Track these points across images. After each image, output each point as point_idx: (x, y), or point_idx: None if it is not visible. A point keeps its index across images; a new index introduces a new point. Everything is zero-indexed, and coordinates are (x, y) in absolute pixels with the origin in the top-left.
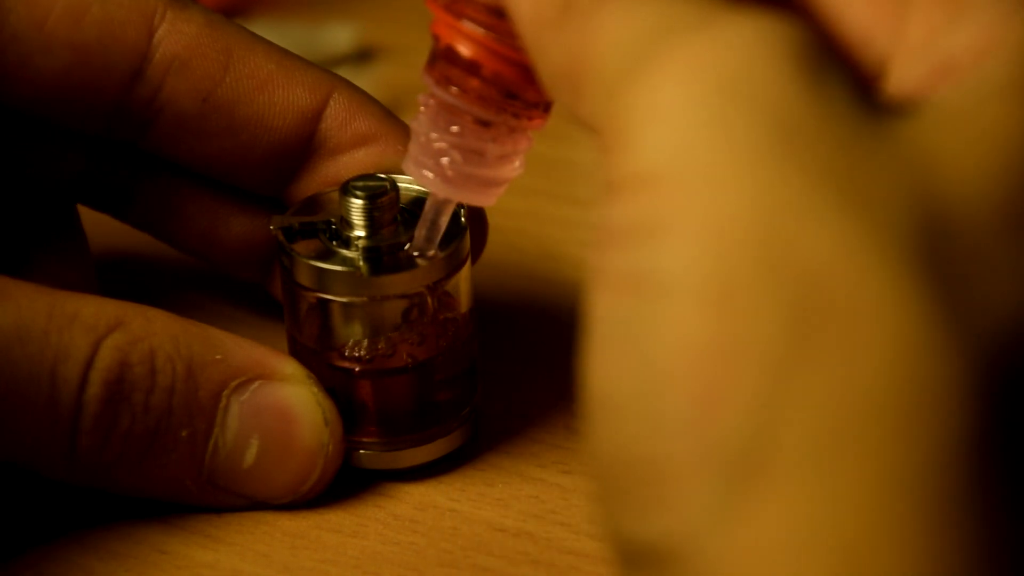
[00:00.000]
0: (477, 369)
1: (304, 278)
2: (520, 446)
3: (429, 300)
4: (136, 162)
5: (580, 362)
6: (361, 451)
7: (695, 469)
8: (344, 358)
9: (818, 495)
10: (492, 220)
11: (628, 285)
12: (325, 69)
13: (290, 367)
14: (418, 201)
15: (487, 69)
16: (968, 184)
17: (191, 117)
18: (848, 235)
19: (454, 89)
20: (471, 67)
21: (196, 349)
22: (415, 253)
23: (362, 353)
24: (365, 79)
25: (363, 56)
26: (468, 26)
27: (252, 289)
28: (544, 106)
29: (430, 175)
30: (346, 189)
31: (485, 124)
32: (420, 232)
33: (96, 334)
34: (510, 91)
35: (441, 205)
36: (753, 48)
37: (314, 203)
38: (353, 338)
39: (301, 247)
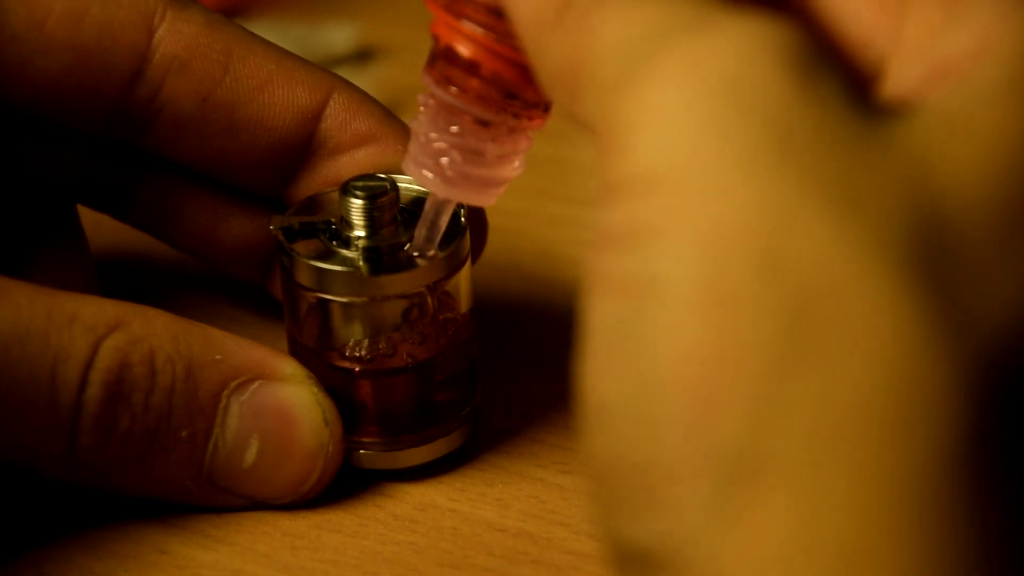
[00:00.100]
0: (477, 369)
1: (304, 278)
2: (520, 446)
3: (429, 300)
4: (136, 162)
5: (576, 366)
6: (361, 451)
7: (691, 473)
8: (344, 358)
9: (813, 499)
10: (492, 220)
11: (624, 289)
12: (325, 69)
13: (290, 367)
14: (418, 201)
15: (487, 69)
16: (964, 187)
17: (191, 117)
18: (843, 239)
19: (454, 89)
20: (471, 67)
21: (196, 349)
22: (415, 253)
23: (363, 353)
24: (365, 79)
25: (363, 56)
26: (468, 26)
27: (252, 289)
28: (544, 106)
29: (430, 175)
30: (346, 189)
31: (485, 124)
32: (420, 232)
33: (96, 334)
34: (510, 91)
35: (441, 205)
36: (749, 51)
37: (314, 203)
38: (353, 338)
39: (301, 247)
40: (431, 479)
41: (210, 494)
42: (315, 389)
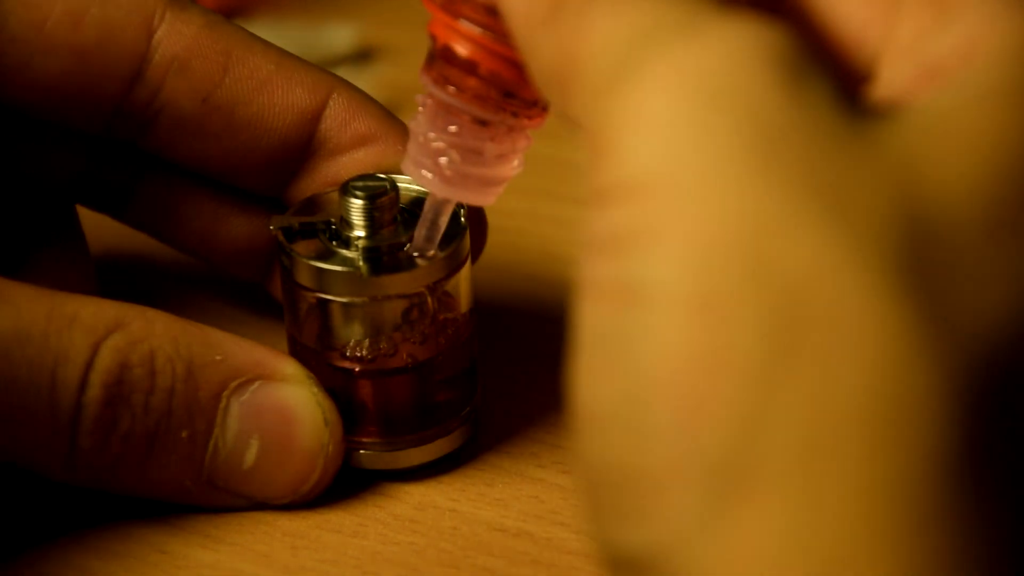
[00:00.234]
0: (477, 369)
1: (304, 278)
2: (520, 446)
3: (429, 300)
4: (136, 162)
5: (568, 372)
6: (361, 451)
7: (679, 479)
8: (344, 358)
9: (801, 504)
10: (492, 220)
11: (613, 294)
12: (325, 69)
13: (290, 367)
14: (418, 201)
15: (484, 68)
16: (951, 191)
17: (191, 118)
18: (830, 245)
19: (452, 89)
20: (468, 66)
21: (196, 350)
22: (415, 253)
23: (363, 353)
24: (365, 79)
25: (363, 56)
26: (465, 25)
27: (252, 289)
28: (543, 105)
29: (429, 175)
30: (346, 189)
31: (483, 123)
32: (420, 232)
33: (96, 336)
34: (508, 90)
35: (440, 205)
36: (737, 55)
37: (314, 203)
38: (353, 338)
39: (301, 247)
40: (431, 479)
41: (210, 494)
42: (315, 389)
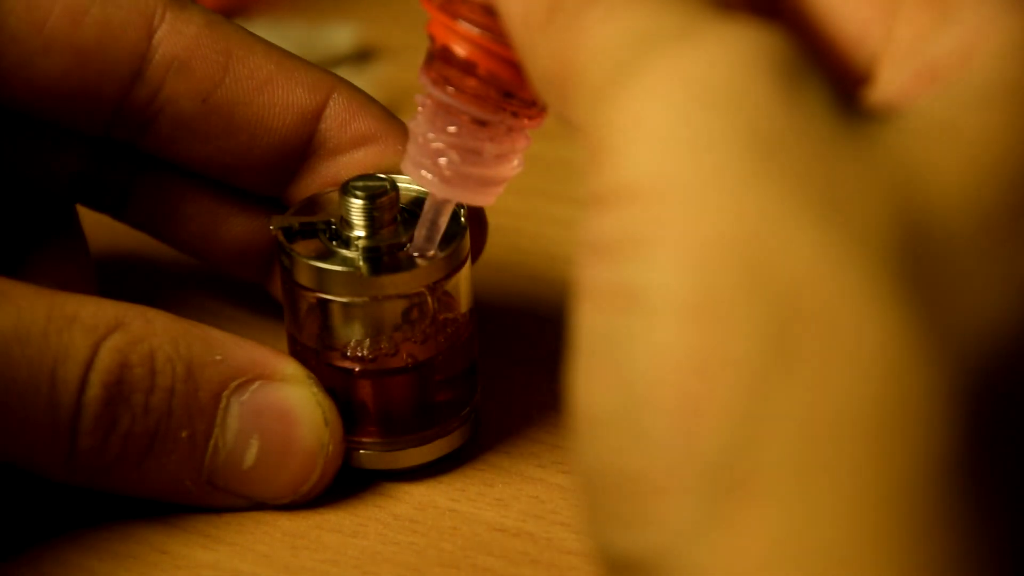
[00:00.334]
0: (477, 369)
1: (304, 278)
2: (520, 446)
3: (429, 300)
4: (135, 162)
5: (567, 375)
6: (361, 451)
7: (677, 483)
8: (345, 358)
9: (799, 509)
10: (492, 220)
11: (611, 299)
12: (325, 69)
13: (290, 367)
14: (418, 201)
15: (483, 68)
16: (949, 194)
17: (191, 118)
18: (827, 249)
19: (451, 89)
20: (467, 67)
21: (196, 350)
22: (415, 253)
23: (364, 353)
24: (365, 79)
25: (363, 56)
26: (464, 26)
27: (252, 289)
28: (542, 104)
29: (428, 175)
30: (346, 189)
31: (482, 123)
32: (420, 232)
33: (96, 335)
34: (507, 90)
35: (440, 205)
36: (734, 60)
37: (314, 203)
38: (353, 338)
39: (301, 247)
40: (431, 479)
41: (210, 494)
42: (315, 389)
